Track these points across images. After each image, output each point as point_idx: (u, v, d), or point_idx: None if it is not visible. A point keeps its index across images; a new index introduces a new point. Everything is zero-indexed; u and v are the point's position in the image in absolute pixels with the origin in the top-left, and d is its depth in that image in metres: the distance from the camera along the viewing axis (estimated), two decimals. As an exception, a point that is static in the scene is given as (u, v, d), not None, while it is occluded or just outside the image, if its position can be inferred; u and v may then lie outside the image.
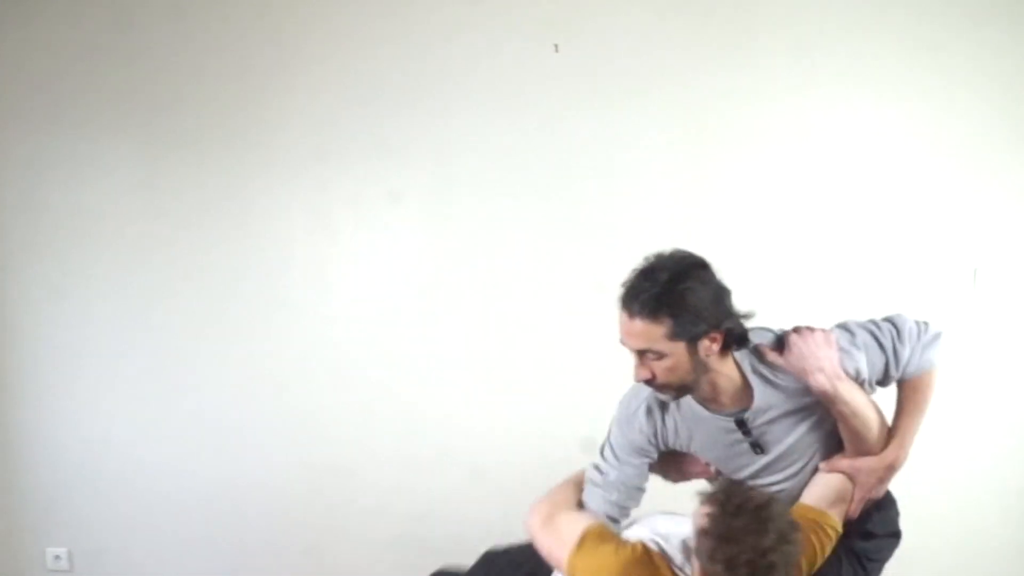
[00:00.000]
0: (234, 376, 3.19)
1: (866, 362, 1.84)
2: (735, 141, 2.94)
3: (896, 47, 2.91)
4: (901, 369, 1.87)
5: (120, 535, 3.27)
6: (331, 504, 3.18)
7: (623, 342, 1.78)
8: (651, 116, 2.95)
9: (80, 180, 3.17)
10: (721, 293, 1.78)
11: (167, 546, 3.26)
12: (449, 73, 3.02)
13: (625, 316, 1.74)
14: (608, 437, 2.03)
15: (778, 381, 1.84)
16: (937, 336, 1.90)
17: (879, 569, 2.01)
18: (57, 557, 3.29)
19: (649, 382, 1.80)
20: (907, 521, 2.98)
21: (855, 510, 1.89)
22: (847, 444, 1.89)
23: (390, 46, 3.04)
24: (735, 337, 1.80)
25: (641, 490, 2.00)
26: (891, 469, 1.90)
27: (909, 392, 1.91)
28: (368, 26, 3.06)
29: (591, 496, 2.00)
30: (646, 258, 1.78)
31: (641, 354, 1.76)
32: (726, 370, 1.82)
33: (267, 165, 3.12)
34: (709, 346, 1.76)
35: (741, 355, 1.84)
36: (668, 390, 1.82)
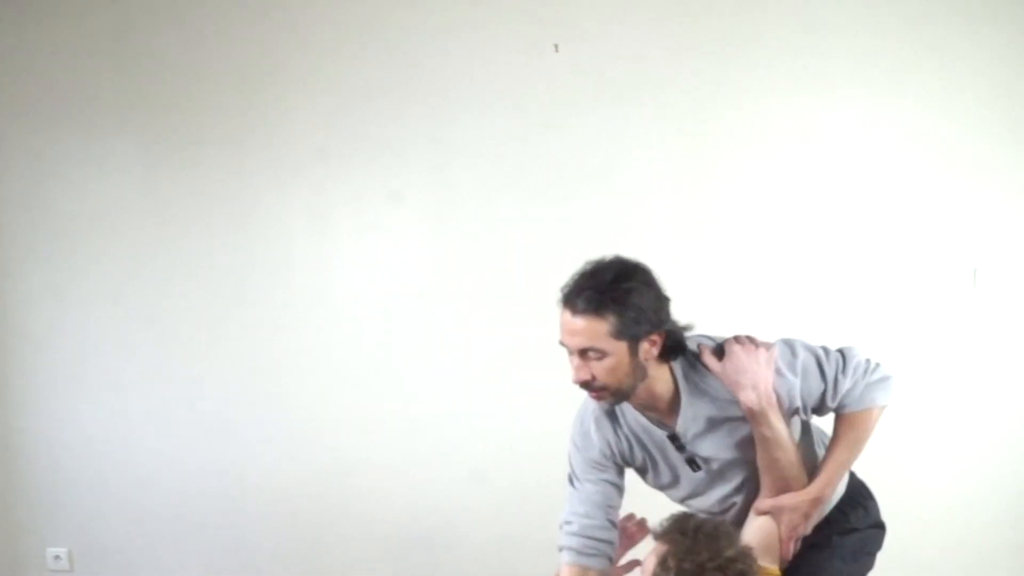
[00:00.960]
0: (234, 376, 3.19)
1: (800, 388, 1.80)
2: (735, 141, 2.94)
3: (896, 48, 2.92)
4: (838, 400, 1.82)
5: (120, 535, 3.27)
6: (332, 504, 3.18)
7: (563, 342, 1.77)
8: (651, 116, 2.95)
9: (82, 181, 3.17)
10: (662, 298, 1.78)
11: (167, 546, 3.26)
12: (449, 73, 3.02)
13: (568, 314, 1.73)
14: (569, 465, 1.98)
15: (707, 388, 1.82)
16: (886, 379, 1.85)
17: (870, 562, 1.99)
18: (57, 557, 3.30)
19: (587, 385, 1.78)
20: (908, 521, 2.99)
21: (788, 550, 1.84)
22: (764, 477, 1.84)
23: (390, 46, 3.04)
24: (674, 343, 1.79)
25: (607, 515, 1.92)
26: (816, 504, 1.84)
27: (845, 427, 1.85)
28: (368, 26, 3.06)
29: (562, 544, 1.92)
30: (587, 262, 1.78)
31: (582, 354, 1.74)
32: (663, 375, 1.81)
33: (268, 165, 3.12)
34: (649, 348, 1.75)
35: (676, 363, 1.82)
36: (605, 394, 1.79)
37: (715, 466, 1.88)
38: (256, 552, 3.24)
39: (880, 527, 2.02)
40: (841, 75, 2.91)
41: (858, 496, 1.97)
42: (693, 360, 1.83)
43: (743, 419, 1.81)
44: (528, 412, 3.06)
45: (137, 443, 3.24)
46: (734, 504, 1.93)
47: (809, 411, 1.85)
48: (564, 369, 3.04)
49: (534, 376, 3.05)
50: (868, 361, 1.84)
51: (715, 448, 1.86)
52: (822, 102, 2.91)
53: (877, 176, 2.95)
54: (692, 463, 1.89)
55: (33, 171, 3.19)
